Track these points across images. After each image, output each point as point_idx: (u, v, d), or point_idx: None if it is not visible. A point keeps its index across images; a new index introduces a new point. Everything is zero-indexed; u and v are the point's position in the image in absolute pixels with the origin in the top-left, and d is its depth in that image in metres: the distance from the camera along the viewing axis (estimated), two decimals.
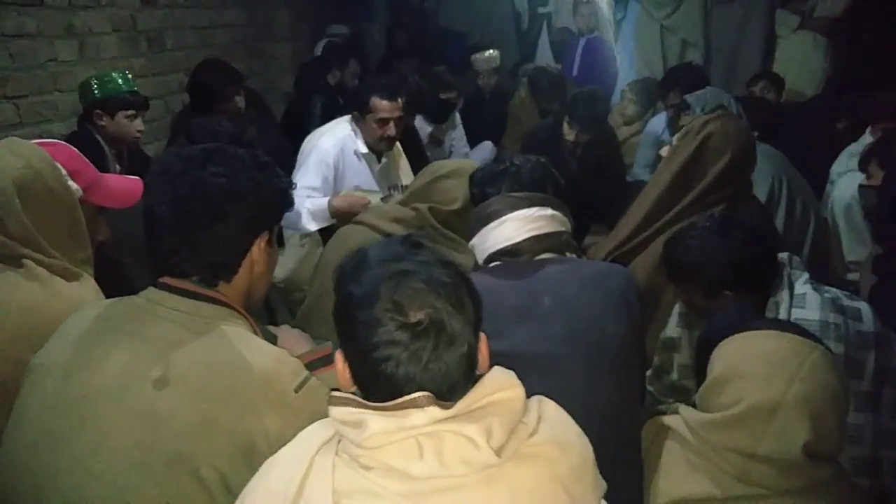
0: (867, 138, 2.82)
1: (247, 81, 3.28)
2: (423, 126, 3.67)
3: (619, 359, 1.34)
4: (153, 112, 3.31)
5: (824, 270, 2.55)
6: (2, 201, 1.26)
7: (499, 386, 0.81)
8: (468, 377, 0.81)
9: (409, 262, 0.83)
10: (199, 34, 3.76)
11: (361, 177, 2.66)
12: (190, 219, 1.06)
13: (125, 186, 1.55)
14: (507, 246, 1.43)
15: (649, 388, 1.78)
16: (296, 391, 1.03)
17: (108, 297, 1.36)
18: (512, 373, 0.84)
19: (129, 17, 3.22)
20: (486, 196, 1.51)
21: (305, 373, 1.07)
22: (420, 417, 0.77)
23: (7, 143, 1.34)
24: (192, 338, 1.03)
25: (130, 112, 2.51)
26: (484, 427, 0.77)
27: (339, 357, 0.86)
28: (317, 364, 1.21)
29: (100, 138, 2.50)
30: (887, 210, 2.04)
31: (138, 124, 2.55)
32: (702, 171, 1.88)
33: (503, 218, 1.43)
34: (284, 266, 2.70)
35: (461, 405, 0.78)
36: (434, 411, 0.77)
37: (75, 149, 1.47)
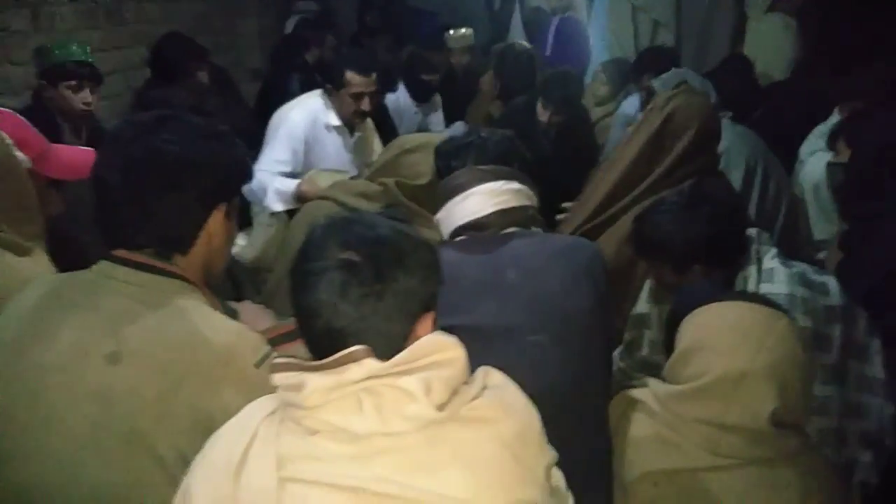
0: (836, 118, 2.84)
1: (212, 58, 3.20)
2: (410, 107, 3.65)
3: (585, 332, 1.34)
4: (113, 87, 3.21)
5: (795, 249, 2.58)
6: None
7: (438, 347, 0.81)
8: (397, 339, 0.81)
9: (364, 217, 0.88)
10: (161, 7, 3.66)
11: (333, 149, 2.63)
12: (142, 188, 1.02)
13: (77, 157, 1.49)
14: (473, 220, 1.41)
15: (620, 364, 1.78)
16: (256, 366, 1.00)
17: (61, 270, 1.32)
18: (453, 336, 0.84)
19: None
20: (451, 169, 1.48)
21: (267, 348, 1.04)
22: (356, 371, 0.77)
23: None
24: (147, 312, 1.00)
25: (72, 83, 2.34)
26: (423, 380, 0.77)
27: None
28: (280, 340, 1.18)
29: (55, 113, 2.40)
30: (854, 186, 2.07)
31: (84, 96, 2.37)
32: (668, 146, 1.89)
33: (469, 191, 1.41)
34: (253, 246, 2.65)
35: (398, 359, 0.78)
36: (371, 364, 0.77)
37: (21, 117, 1.41)
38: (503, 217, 1.40)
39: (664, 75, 2.60)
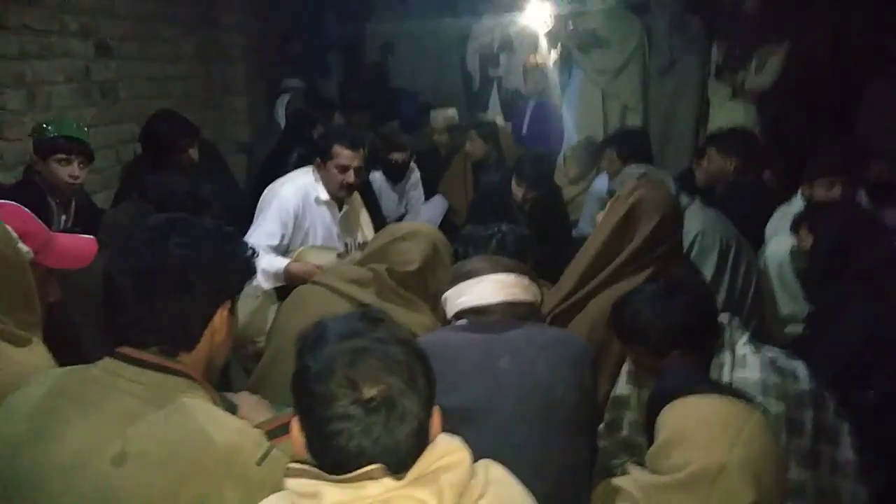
0: (797, 199, 3.02)
1: (201, 132, 3.28)
2: (384, 184, 3.76)
3: (568, 421, 1.39)
4: (104, 161, 3.27)
5: (763, 325, 2.69)
6: None
7: (446, 451, 0.85)
8: (418, 451, 0.85)
9: (366, 339, 0.87)
10: (154, 85, 3.75)
11: (322, 223, 2.69)
12: (153, 290, 1.06)
13: (78, 247, 1.52)
14: (480, 305, 1.48)
15: (601, 444, 1.82)
16: (258, 464, 1.02)
17: (57, 358, 1.33)
18: (458, 437, 0.88)
19: (83, 68, 3.19)
20: (469, 255, 1.58)
21: (267, 444, 1.06)
22: (375, 488, 0.80)
23: None
24: (152, 411, 1.01)
25: (61, 156, 2.38)
26: (435, 491, 0.81)
27: (294, 425, 0.89)
28: (278, 432, 1.20)
29: (44, 188, 2.41)
30: (817, 272, 2.19)
31: (72, 170, 2.40)
32: (631, 236, 1.98)
33: (483, 277, 1.49)
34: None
35: (412, 473, 0.82)
36: (388, 482, 0.81)
37: (24, 209, 1.44)
38: (508, 308, 1.47)
39: (627, 169, 2.76)
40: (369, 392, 0.82)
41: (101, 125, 3.29)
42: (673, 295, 1.61)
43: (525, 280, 1.50)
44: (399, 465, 0.83)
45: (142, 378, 1.04)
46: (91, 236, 1.58)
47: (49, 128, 2.42)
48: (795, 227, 2.37)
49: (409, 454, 0.84)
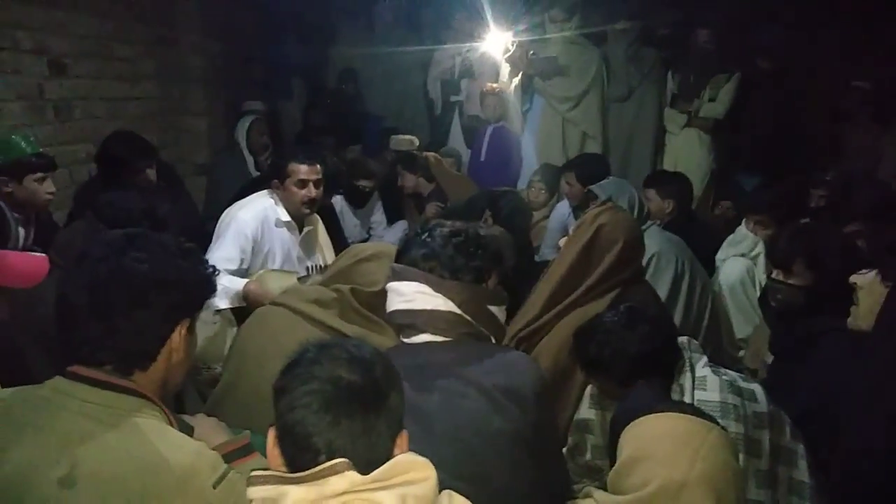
0: (742, 228, 3.13)
1: (159, 154, 3.22)
2: (346, 208, 3.76)
3: (512, 453, 1.26)
4: (57, 181, 3.16)
5: (718, 347, 2.74)
6: None
7: (413, 466, 0.86)
8: (385, 457, 0.86)
9: (350, 347, 0.93)
10: (110, 105, 3.68)
11: (281, 245, 2.65)
12: (109, 305, 1.03)
13: (28, 264, 1.47)
14: (389, 312, 1.46)
15: None
16: (214, 486, 1.00)
17: (3, 384, 1.27)
18: (427, 460, 0.88)
19: (36, 86, 3.11)
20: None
21: (224, 466, 1.04)
22: (339, 483, 0.80)
23: None
24: (104, 431, 0.98)
25: (38, 175, 2.44)
26: (399, 496, 0.81)
27: (271, 433, 0.90)
28: (235, 455, 1.17)
29: (3, 205, 2.38)
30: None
31: (48, 186, 2.48)
32: (596, 260, 2.01)
33: (387, 286, 1.47)
34: None
35: (377, 474, 0.82)
36: (353, 476, 0.81)
37: None
38: (408, 317, 1.40)
39: (603, 182, 2.80)
40: (348, 377, 0.86)
41: (55, 145, 3.21)
42: (635, 325, 1.61)
43: (425, 288, 1.38)
44: (357, 458, 0.84)
45: (93, 397, 1.01)
46: (44, 255, 1.53)
47: (24, 145, 2.44)
48: (786, 257, 2.04)
49: (378, 458, 0.85)
